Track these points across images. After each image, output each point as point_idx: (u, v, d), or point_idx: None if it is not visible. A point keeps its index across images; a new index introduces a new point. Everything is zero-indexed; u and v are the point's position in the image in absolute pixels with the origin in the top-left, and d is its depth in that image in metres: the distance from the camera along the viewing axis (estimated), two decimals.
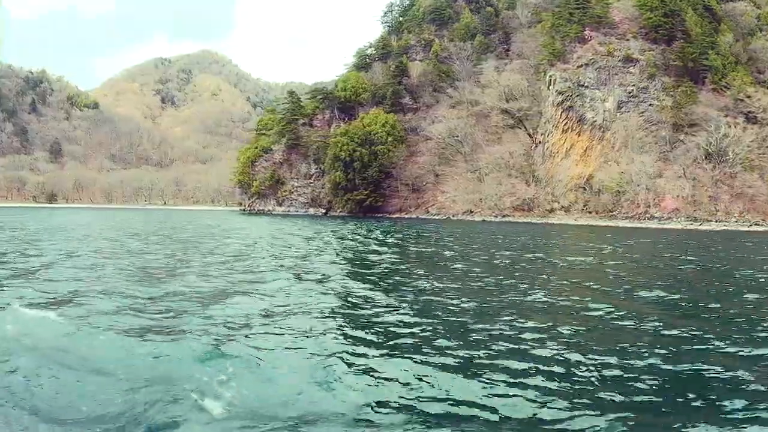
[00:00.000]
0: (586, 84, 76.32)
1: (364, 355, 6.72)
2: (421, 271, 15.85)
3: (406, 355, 6.72)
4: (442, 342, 7.38)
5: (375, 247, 24.79)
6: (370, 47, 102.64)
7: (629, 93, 76.69)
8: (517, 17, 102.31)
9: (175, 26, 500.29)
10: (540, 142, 77.28)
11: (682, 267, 19.39)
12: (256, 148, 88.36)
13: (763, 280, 15.11)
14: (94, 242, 24.85)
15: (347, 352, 6.80)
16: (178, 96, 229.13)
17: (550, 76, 76.71)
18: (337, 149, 73.94)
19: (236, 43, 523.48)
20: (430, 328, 8.27)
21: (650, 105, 76.35)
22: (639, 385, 5.78)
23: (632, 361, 6.58)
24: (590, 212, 73.32)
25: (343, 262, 18.83)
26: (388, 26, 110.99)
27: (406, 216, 74.50)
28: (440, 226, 52.30)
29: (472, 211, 71.28)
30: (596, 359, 6.65)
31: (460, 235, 36.70)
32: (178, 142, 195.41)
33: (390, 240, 30.72)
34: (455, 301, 10.46)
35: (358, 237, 32.39)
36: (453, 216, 71.73)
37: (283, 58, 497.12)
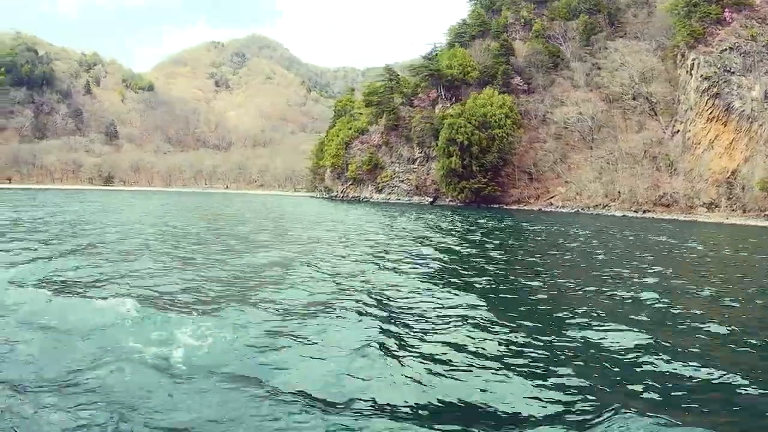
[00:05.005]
0: (732, 70, 68.11)
1: None
2: None
3: None
4: None
5: None
6: (464, 24, 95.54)
7: None
8: None
9: (212, 16, 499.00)
10: (678, 131, 69.19)
11: None
12: (350, 129, 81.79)
13: None
14: None
15: None
16: (232, 79, 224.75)
17: (693, 60, 68.50)
18: (453, 132, 66.81)
19: (281, 30, 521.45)
20: None
21: None
22: None
23: None
24: (734, 210, 65.60)
25: None
26: (477, 2, 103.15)
27: (526, 208, 67.23)
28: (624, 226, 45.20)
29: (607, 205, 63.66)
30: None
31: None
32: (233, 125, 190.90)
33: None
34: None
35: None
36: (582, 209, 64.25)
37: (328, 44, 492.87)
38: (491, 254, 18.07)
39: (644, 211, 62.82)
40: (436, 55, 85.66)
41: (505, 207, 67.66)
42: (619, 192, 64.04)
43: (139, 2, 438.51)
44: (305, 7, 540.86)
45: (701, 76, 67.56)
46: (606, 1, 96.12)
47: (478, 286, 11.42)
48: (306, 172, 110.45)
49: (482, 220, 38.92)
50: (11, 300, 7.94)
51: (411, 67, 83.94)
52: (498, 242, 22.98)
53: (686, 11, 73.39)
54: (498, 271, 14.16)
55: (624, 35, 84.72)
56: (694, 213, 64.25)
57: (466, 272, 13.43)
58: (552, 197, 68.05)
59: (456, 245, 20.34)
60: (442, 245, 19.93)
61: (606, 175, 65.18)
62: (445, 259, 15.99)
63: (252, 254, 14.56)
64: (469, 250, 19.16)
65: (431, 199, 72.59)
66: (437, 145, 70.77)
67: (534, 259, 17.54)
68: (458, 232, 27.60)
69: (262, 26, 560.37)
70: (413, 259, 15.17)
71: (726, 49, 69.00)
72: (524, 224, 37.20)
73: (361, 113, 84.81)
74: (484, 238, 24.01)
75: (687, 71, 69.62)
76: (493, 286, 11.66)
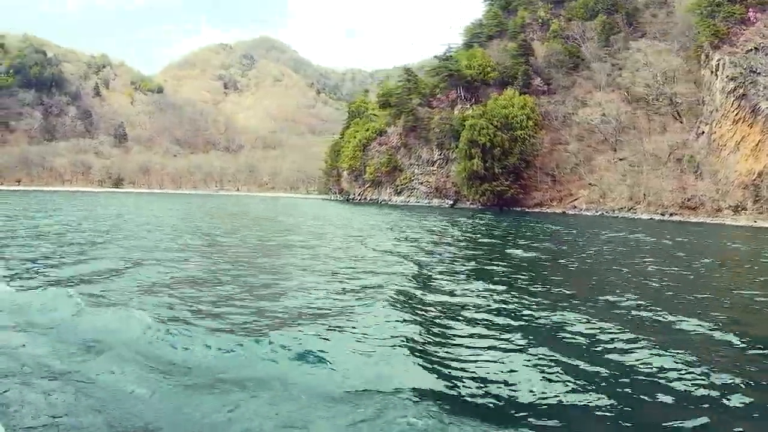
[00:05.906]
0: (758, 70, 67.02)
1: None
2: None
3: None
4: None
5: None
6: (480, 24, 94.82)
7: None
8: None
9: (212, 16, 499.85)
10: (703, 132, 68.10)
11: None
12: (368, 130, 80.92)
13: None
14: None
15: None
16: (240, 81, 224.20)
17: (718, 60, 67.46)
18: (474, 133, 65.85)
19: (288, 32, 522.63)
20: None
21: None
22: None
23: None
24: (761, 212, 64.54)
25: None
26: (494, 2, 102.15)
27: (549, 210, 66.20)
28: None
29: (632, 208, 62.62)
30: None
31: None
32: (243, 127, 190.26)
33: None
34: None
35: None
36: (607, 212, 63.18)
37: (333, 46, 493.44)
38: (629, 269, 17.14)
39: (671, 214, 61.74)
40: (452, 55, 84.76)
41: (527, 210, 66.69)
42: (644, 194, 62.98)
43: (139, 2, 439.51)
44: (310, 9, 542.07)
45: (726, 76, 66.46)
46: (624, 1, 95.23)
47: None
48: (319, 174, 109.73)
49: (536, 224, 37.87)
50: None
51: (428, 68, 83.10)
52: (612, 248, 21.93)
53: (709, 11, 72.40)
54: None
55: (643, 35, 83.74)
56: (720, 216, 63.17)
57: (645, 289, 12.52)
58: (575, 200, 67.03)
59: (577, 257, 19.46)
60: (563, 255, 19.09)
61: (630, 177, 64.12)
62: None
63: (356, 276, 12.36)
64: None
65: (451, 202, 71.65)
66: (457, 147, 69.87)
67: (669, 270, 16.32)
68: (533, 236, 26.63)
69: (266, 27, 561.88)
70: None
71: (751, 50, 67.82)
72: (588, 228, 36.15)
73: (376, 114, 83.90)
74: (575, 245, 23.09)
75: (712, 72, 68.55)
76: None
